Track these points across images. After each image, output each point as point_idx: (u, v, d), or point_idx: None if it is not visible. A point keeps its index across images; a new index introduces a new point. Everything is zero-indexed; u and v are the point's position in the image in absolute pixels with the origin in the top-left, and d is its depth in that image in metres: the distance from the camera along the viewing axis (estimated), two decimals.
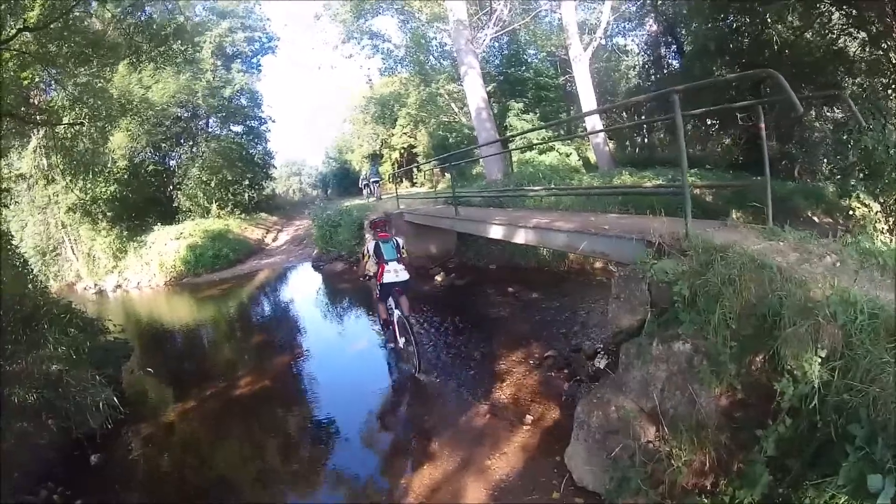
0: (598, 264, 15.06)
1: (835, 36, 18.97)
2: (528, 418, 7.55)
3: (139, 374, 12.19)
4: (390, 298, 10.32)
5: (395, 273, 9.84)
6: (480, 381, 9.23)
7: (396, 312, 10.21)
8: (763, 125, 6.87)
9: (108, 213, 29.44)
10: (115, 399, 9.38)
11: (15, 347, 9.34)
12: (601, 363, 8.88)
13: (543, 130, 27.12)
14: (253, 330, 16.33)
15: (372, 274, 10.22)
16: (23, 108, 13.54)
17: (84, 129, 15.96)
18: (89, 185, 27.64)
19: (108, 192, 29.02)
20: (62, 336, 10.12)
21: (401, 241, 10.41)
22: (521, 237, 10.32)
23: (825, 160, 19.55)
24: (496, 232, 11.27)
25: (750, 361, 4.69)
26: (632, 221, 8.12)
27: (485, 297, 14.73)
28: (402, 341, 10.28)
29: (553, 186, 16.54)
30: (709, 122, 25.98)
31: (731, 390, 4.78)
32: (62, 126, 15.32)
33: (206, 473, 7.78)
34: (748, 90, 18.92)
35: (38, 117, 14.57)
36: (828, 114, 21.15)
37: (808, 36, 19.05)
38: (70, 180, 23.69)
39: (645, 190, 11.83)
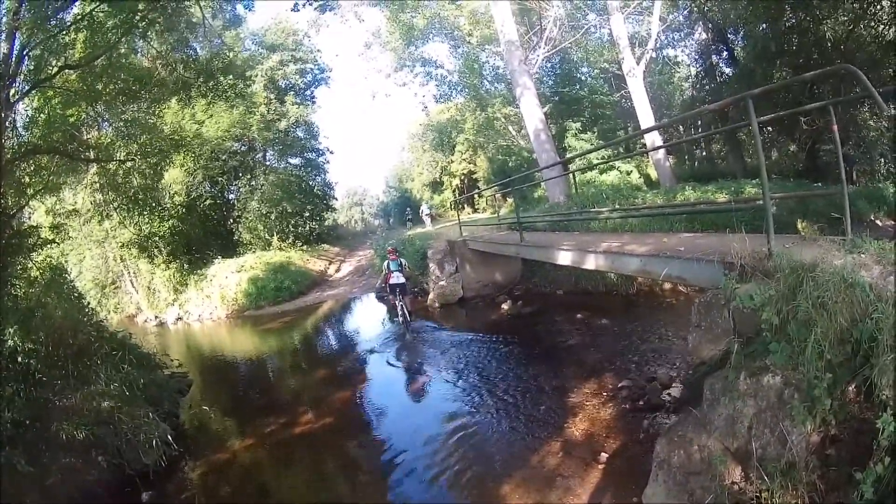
0: (667, 286, 14.56)
1: (885, 27, 18.24)
2: (603, 456, 7.14)
3: (198, 409, 12.04)
4: (397, 292, 15.99)
5: (397, 278, 15.92)
6: (552, 416, 8.82)
7: (398, 302, 16.02)
8: (836, 126, 6.33)
9: (165, 248, 29.74)
10: (168, 436, 9.34)
11: (65, 383, 9.31)
12: (677, 392, 8.42)
13: (603, 150, 26.65)
14: (315, 362, 16.20)
15: (383, 279, 16.63)
16: (71, 146, 13.51)
17: (135, 165, 16.00)
18: (144, 221, 28.07)
19: (164, 227, 29.37)
20: (114, 372, 10.08)
21: (404, 262, 16.72)
22: (591, 263, 9.91)
23: (882, 160, 19.02)
24: (565, 258, 10.92)
25: (843, 393, 4.26)
26: (707, 241, 7.68)
27: (553, 324, 14.32)
28: (400, 319, 16.11)
29: (619, 207, 16.05)
30: (768, 130, 25.34)
31: (824, 426, 4.33)
32: (114, 163, 15.35)
33: None
34: (805, 94, 18.34)
35: (88, 154, 14.59)
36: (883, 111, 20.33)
37: (861, 30, 18.36)
38: (124, 217, 23.94)
39: (722, 207, 11.28)
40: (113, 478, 8.39)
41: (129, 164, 15.81)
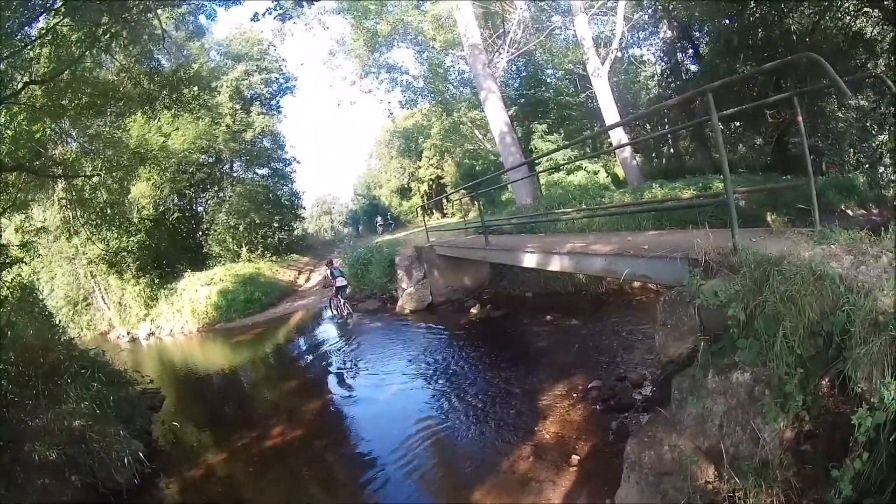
0: (636, 284, 14.51)
1: (851, 18, 18.36)
2: (574, 458, 7.05)
3: (171, 425, 11.78)
4: (339, 294, 18.78)
5: (340, 282, 18.75)
6: (522, 419, 8.74)
7: (342, 301, 18.82)
8: (801, 117, 6.27)
9: (134, 263, 29.45)
10: (140, 454, 9.18)
11: (35, 403, 9.12)
12: (648, 391, 8.39)
13: (570, 150, 26.74)
14: (287, 373, 15.98)
15: (329, 283, 19.17)
16: (38, 162, 13.30)
17: (102, 180, 15.77)
18: (112, 237, 27.70)
19: (132, 242, 29.09)
20: (85, 390, 9.86)
21: (344, 270, 21.28)
22: (556, 264, 9.83)
23: (851, 150, 19.21)
24: (529, 260, 10.87)
25: (815, 387, 4.20)
26: (672, 238, 7.63)
27: (522, 327, 14.30)
28: (345, 312, 18.79)
29: (585, 207, 16.00)
30: (735, 124, 25.45)
31: (798, 422, 4.26)
32: (80, 178, 15.14)
33: None
34: (770, 87, 18.40)
35: (55, 170, 14.34)
36: (850, 101, 20.45)
37: (827, 21, 18.43)
38: (91, 232, 23.63)
39: (685, 203, 11.23)
40: (87, 497, 8.22)
41: (95, 179, 15.56)
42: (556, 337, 12.78)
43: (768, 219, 6.82)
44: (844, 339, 4.00)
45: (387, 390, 11.78)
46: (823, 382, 4.18)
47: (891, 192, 16.83)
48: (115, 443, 8.90)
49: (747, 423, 4.43)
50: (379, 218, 48.54)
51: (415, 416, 9.73)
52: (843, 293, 4.18)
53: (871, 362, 3.76)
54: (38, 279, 27.88)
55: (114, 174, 16.11)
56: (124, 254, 29.05)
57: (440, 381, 11.47)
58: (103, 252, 28.07)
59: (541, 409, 8.88)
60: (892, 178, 17.67)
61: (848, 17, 18.27)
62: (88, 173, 15.13)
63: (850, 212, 13.54)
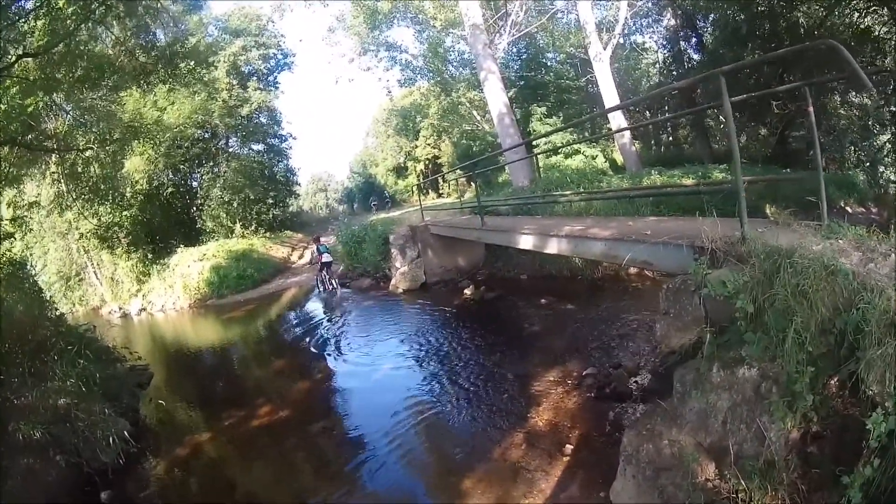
0: (633, 270, 14.37)
1: (859, 16, 18.17)
2: (568, 448, 6.88)
3: (159, 403, 11.55)
4: (325, 270, 21.07)
5: (326, 258, 20.94)
6: (515, 405, 8.55)
7: (326, 275, 21.04)
8: (811, 108, 6.07)
9: (126, 238, 29.13)
10: (126, 433, 8.97)
11: (21, 381, 8.85)
12: (644, 381, 8.22)
13: (568, 133, 26.74)
14: (278, 351, 15.75)
15: (316, 259, 21.49)
16: (30, 136, 13.04)
17: (95, 154, 15.51)
18: (106, 212, 27.55)
19: (125, 217, 28.78)
20: (71, 368, 9.57)
21: (329, 245, 22.94)
22: (553, 247, 9.60)
23: (853, 147, 19.18)
24: (526, 242, 10.62)
25: (825, 387, 4.01)
26: (674, 225, 7.39)
27: (517, 310, 14.13)
28: (330, 287, 20.85)
29: (584, 191, 15.82)
30: (737, 115, 25.23)
31: (805, 422, 4.07)
32: (73, 152, 14.88)
33: None
34: (776, 78, 18.18)
35: (48, 144, 14.10)
36: (854, 99, 20.29)
37: (836, 17, 18.24)
38: (82, 207, 23.33)
39: (690, 189, 11.03)
40: (71, 477, 8.02)
41: (88, 153, 15.29)
42: (550, 321, 12.60)
43: (767, 211, 6.63)
44: (858, 338, 3.80)
45: (378, 371, 11.63)
46: (832, 382, 4.00)
47: (892, 191, 16.77)
48: (100, 421, 8.69)
49: (753, 420, 4.25)
50: (374, 196, 48.49)
51: (405, 398, 9.54)
52: (856, 290, 3.98)
53: (885, 365, 3.57)
54: (30, 254, 27.75)
55: (107, 148, 15.85)
56: (116, 228, 28.74)
57: (432, 363, 11.29)
58: (95, 227, 27.80)
59: (534, 396, 8.69)
60: (893, 178, 17.64)
61: (856, 15, 18.05)
62: (81, 147, 14.86)
63: (849, 209, 13.43)
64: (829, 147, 19.16)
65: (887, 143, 18.14)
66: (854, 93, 19.62)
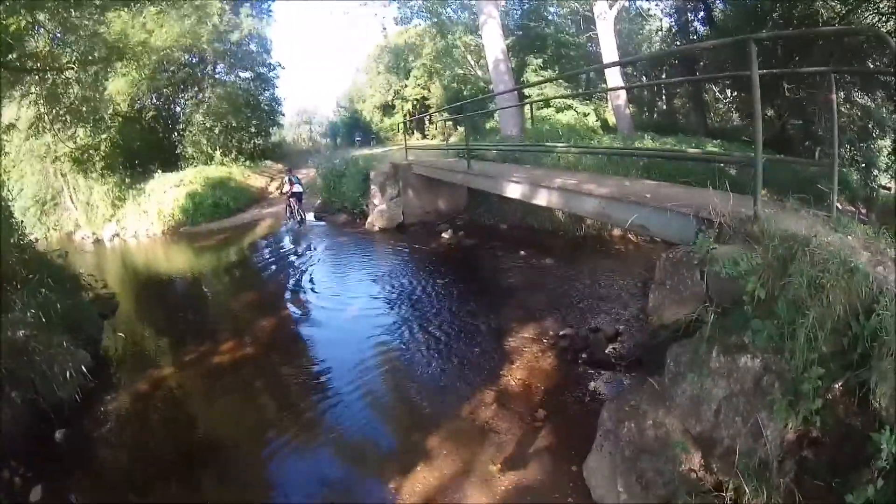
0: (616, 232, 14.20)
1: (881, 19, 17.81)
2: (541, 413, 6.56)
3: (122, 334, 11.16)
4: (294, 199, 21.39)
5: (297, 188, 21.33)
6: (487, 360, 8.24)
7: (296, 205, 21.39)
8: (834, 96, 5.75)
9: (101, 162, 28.38)
10: (83, 366, 8.42)
11: None
12: (623, 349, 7.97)
13: (562, 88, 26.76)
14: (247, 283, 15.39)
15: (287, 189, 21.55)
16: (11, 55, 12.53)
17: (76, 74, 14.94)
18: (85, 134, 26.66)
19: (103, 140, 27.89)
20: (32, 298, 9.02)
21: (300, 177, 23.00)
22: (543, 198, 9.28)
23: (849, 146, 18.83)
24: (514, 191, 10.29)
25: (827, 389, 3.71)
26: (673, 192, 7.05)
27: (494, 259, 13.82)
28: (298, 217, 21.31)
29: (585, 146, 15.44)
30: (732, 92, 25.11)
31: (805, 424, 3.78)
32: (52, 72, 14.32)
33: (176, 449, 6.87)
34: (787, 62, 17.92)
35: (29, 64, 13.58)
36: (858, 99, 20.04)
37: (857, 16, 17.90)
38: (59, 130, 22.63)
39: (705, 156, 10.67)
40: (27, 414, 7.53)
41: (69, 73, 14.72)
42: (528, 274, 12.33)
43: (710, 190, 6.31)
44: (874, 346, 3.52)
45: (347, 311, 11.27)
46: (838, 387, 3.70)
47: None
48: (58, 354, 8.19)
49: (750, 414, 3.97)
50: (358, 132, 48.19)
51: (374, 344, 9.23)
52: (873, 293, 3.71)
53: None
54: (7, 178, 26.82)
55: (88, 68, 15.30)
56: (92, 151, 27.97)
57: (403, 308, 10.97)
58: (71, 150, 26.98)
59: (507, 352, 8.40)
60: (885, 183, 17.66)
61: (880, 17, 17.64)
62: (62, 66, 14.30)
63: (839, 205, 13.19)
64: (825, 141, 18.98)
65: (885, 148, 18.06)
66: (860, 92, 19.42)
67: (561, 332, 8.77)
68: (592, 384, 7.26)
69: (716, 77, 20.73)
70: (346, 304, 11.67)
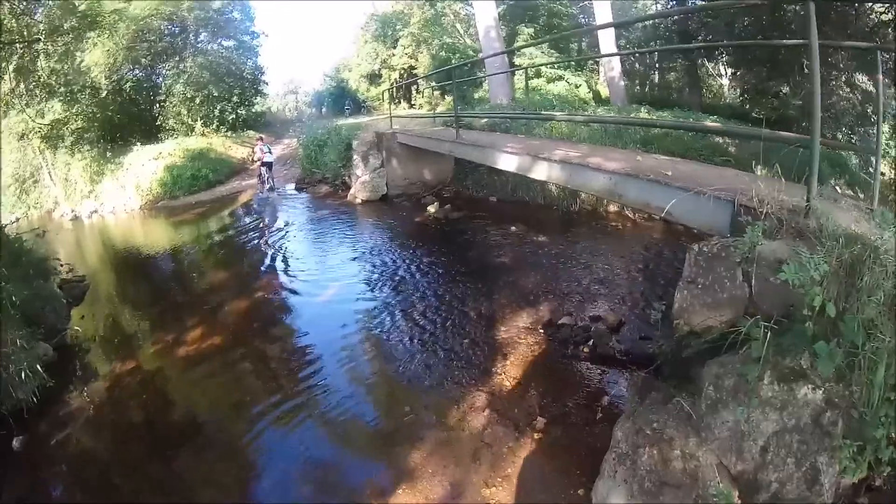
0: (613, 208, 13.48)
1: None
2: (540, 421, 5.79)
3: (91, 320, 10.57)
4: (265, 168, 22.14)
5: (269, 157, 22.21)
6: (478, 354, 7.45)
7: (267, 174, 22.22)
8: (881, 76, 5.03)
9: (72, 137, 27.70)
10: (40, 365, 7.60)
11: None
12: (626, 343, 7.22)
13: (553, 58, 26.53)
14: (223, 261, 14.56)
15: (258, 157, 22.52)
16: None
17: (44, 46, 14.15)
18: (56, 108, 25.89)
19: (73, 114, 27.11)
20: None
21: (271, 147, 23.53)
22: (541, 172, 8.41)
23: (849, 132, 18.93)
24: (508, 162, 9.46)
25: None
26: (695, 170, 6.25)
27: (484, 235, 13.10)
28: (268, 186, 22.07)
29: (598, 115, 14.69)
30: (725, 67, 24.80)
31: (870, 475, 3.15)
32: (18, 44, 13.50)
33: (146, 451, 6.20)
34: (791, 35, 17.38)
35: None
36: (860, 84, 19.41)
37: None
38: (26, 105, 21.70)
39: (749, 133, 9.79)
40: None
41: (38, 45, 13.90)
42: (520, 252, 11.61)
43: (758, 171, 5.57)
44: None
45: (323, 295, 10.47)
46: None
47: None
48: (12, 353, 7.31)
49: (804, 457, 3.26)
50: (348, 100, 47.94)
51: (349, 334, 8.48)
52: None
53: None
54: None
55: (57, 39, 14.48)
56: (62, 127, 27.17)
57: (385, 289, 10.23)
58: (39, 125, 26.06)
59: (500, 344, 7.63)
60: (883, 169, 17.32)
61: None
62: (28, 38, 13.48)
63: (837, 188, 12.57)
64: (825, 124, 18.41)
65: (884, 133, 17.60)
66: (863, 76, 18.79)
67: (559, 321, 8.01)
68: (597, 385, 6.52)
69: (781, 44, 20.05)
70: (324, 287, 10.86)
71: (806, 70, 18.79)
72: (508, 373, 6.87)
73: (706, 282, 4.21)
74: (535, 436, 5.60)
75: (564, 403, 6.14)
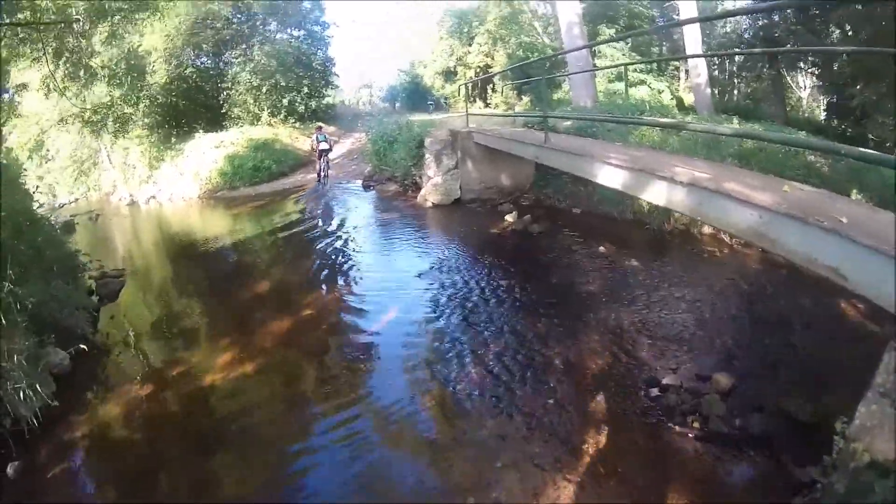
0: (707, 229, 11.92)
1: None
2: None
3: (121, 322, 9.90)
4: (324, 158, 23.34)
5: (323, 146, 23.18)
6: (564, 423, 5.92)
7: (322, 162, 23.37)
8: None
9: (114, 123, 27.51)
10: (38, 387, 6.63)
11: None
12: (741, 419, 5.74)
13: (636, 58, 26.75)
14: (274, 263, 13.84)
15: (316, 147, 23.29)
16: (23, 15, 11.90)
17: (80, 28, 13.67)
18: (101, 93, 25.53)
19: (119, 97, 26.72)
20: None
21: (328, 135, 24.75)
22: (658, 195, 6.62)
23: None
24: (611, 177, 7.82)
25: None
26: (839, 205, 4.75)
27: (569, 255, 11.62)
28: (322, 175, 23.18)
29: (740, 128, 13.22)
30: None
31: None
32: (63, 25, 13.14)
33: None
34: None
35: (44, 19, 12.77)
36: None
37: None
38: (66, 87, 21.24)
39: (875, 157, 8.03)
40: None
41: (78, 26, 13.36)
42: (610, 280, 10.12)
43: (852, 195, 4.23)
44: None
45: (382, 317, 9.24)
46: None
47: None
48: (12, 369, 6.45)
49: None
50: (431, 97, 47.99)
51: (412, 377, 7.17)
52: None
53: None
54: (46, 137, 27.98)
55: (102, 21, 13.90)
56: (112, 110, 26.98)
57: (454, 318, 8.86)
58: (80, 110, 25.46)
59: (592, 410, 6.15)
60: None
61: None
62: (71, 20, 13.02)
63: None
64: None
65: None
66: None
67: (663, 381, 6.52)
68: (715, 481, 5.01)
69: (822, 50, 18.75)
70: (384, 308, 9.59)
71: None
72: (603, 455, 5.38)
73: None
74: None
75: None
